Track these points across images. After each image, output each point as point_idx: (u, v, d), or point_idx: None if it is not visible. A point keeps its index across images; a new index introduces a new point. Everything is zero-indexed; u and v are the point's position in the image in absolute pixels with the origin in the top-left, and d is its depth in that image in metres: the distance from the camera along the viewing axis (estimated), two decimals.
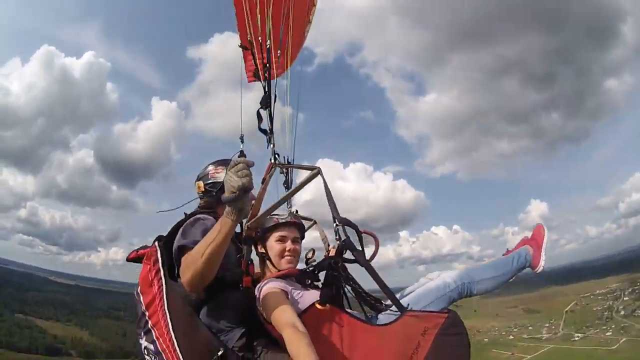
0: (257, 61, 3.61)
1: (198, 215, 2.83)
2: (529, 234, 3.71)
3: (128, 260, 2.81)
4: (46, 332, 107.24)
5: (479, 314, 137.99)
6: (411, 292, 2.99)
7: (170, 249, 2.61)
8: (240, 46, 3.92)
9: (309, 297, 2.58)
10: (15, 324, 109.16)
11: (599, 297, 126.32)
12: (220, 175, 3.14)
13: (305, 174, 2.68)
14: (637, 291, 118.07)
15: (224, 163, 3.23)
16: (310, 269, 2.81)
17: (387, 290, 2.53)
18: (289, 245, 2.98)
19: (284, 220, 3.02)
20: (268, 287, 2.53)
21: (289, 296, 2.54)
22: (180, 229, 2.69)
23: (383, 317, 2.69)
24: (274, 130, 3.35)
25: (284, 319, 2.22)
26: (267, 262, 2.94)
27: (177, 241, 2.61)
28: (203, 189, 3.17)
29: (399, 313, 2.55)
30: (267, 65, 3.55)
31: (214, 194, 3.12)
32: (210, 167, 3.22)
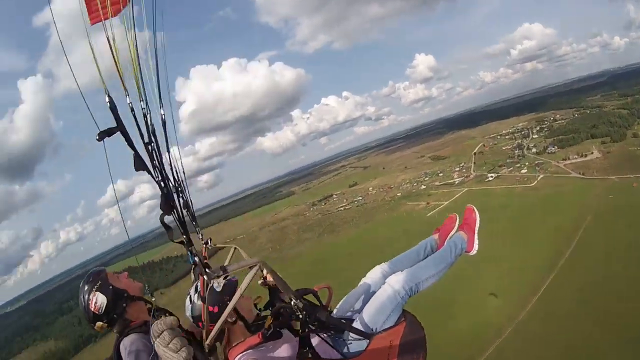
0: None
1: (132, 345, 2.89)
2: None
3: None
4: None
5: (388, 171, 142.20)
6: (362, 302, 3.35)
7: None
8: None
9: (281, 353, 2.79)
10: None
11: (507, 137, 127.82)
12: (99, 301, 3.06)
13: None
14: (545, 129, 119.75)
15: (91, 287, 3.10)
16: (271, 331, 2.76)
17: (352, 328, 2.95)
18: (250, 295, 3.05)
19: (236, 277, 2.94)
20: None
21: None
22: None
23: (354, 345, 2.96)
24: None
25: None
26: (237, 323, 2.87)
27: None
28: (105, 324, 3.10)
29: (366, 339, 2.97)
30: None
31: (114, 316, 3.09)
32: (90, 305, 3.07)
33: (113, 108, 2.04)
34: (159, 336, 2.04)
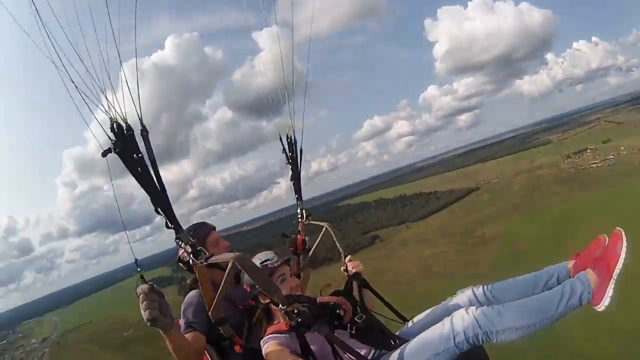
0: None
1: (187, 299, 3.30)
2: None
3: None
4: None
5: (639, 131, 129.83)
6: (420, 328, 2.73)
7: None
8: None
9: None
10: None
11: None
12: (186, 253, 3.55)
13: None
14: None
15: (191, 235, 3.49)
16: (295, 325, 2.46)
17: (359, 355, 2.48)
18: (293, 282, 2.94)
19: (278, 264, 2.92)
20: (269, 346, 2.68)
21: (290, 350, 2.63)
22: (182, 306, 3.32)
23: None
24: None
25: None
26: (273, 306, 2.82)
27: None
28: (185, 268, 3.47)
29: None
30: None
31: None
32: (180, 250, 3.26)
33: (118, 132, 2.25)
34: (138, 296, 2.27)
